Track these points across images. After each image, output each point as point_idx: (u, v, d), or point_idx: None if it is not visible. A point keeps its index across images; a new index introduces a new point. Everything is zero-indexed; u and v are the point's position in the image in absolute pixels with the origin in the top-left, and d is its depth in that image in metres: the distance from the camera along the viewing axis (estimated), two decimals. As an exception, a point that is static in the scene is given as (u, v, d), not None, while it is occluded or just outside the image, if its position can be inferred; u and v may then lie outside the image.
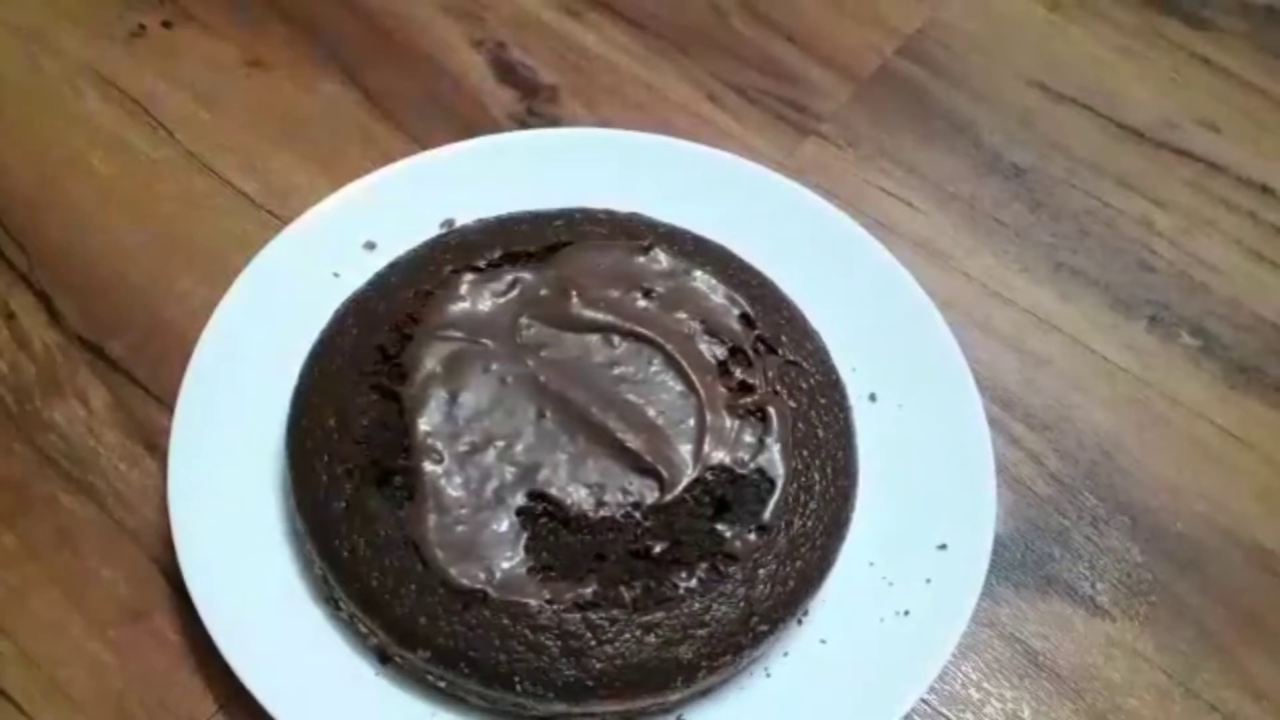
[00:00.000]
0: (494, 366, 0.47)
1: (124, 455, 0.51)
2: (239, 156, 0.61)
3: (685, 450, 0.46)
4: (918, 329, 0.53)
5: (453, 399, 0.46)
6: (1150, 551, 0.51)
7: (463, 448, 0.45)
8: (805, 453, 0.47)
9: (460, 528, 0.44)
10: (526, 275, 0.50)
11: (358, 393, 0.47)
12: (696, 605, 0.43)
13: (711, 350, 0.49)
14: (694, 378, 0.47)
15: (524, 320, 0.49)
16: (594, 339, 0.48)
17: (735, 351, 0.49)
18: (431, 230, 0.55)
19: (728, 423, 0.47)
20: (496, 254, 0.51)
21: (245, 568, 0.46)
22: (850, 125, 0.65)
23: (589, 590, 0.43)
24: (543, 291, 0.50)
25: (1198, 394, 0.56)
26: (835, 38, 0.69)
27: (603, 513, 0.44)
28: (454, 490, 0.44)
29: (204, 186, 0.60)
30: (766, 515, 0.45)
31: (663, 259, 0.51)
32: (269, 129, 0.63)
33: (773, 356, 0.49)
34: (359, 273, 0.52)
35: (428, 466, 0.45)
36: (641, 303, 0.50)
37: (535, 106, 0.65)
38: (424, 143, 0.61)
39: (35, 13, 0.67)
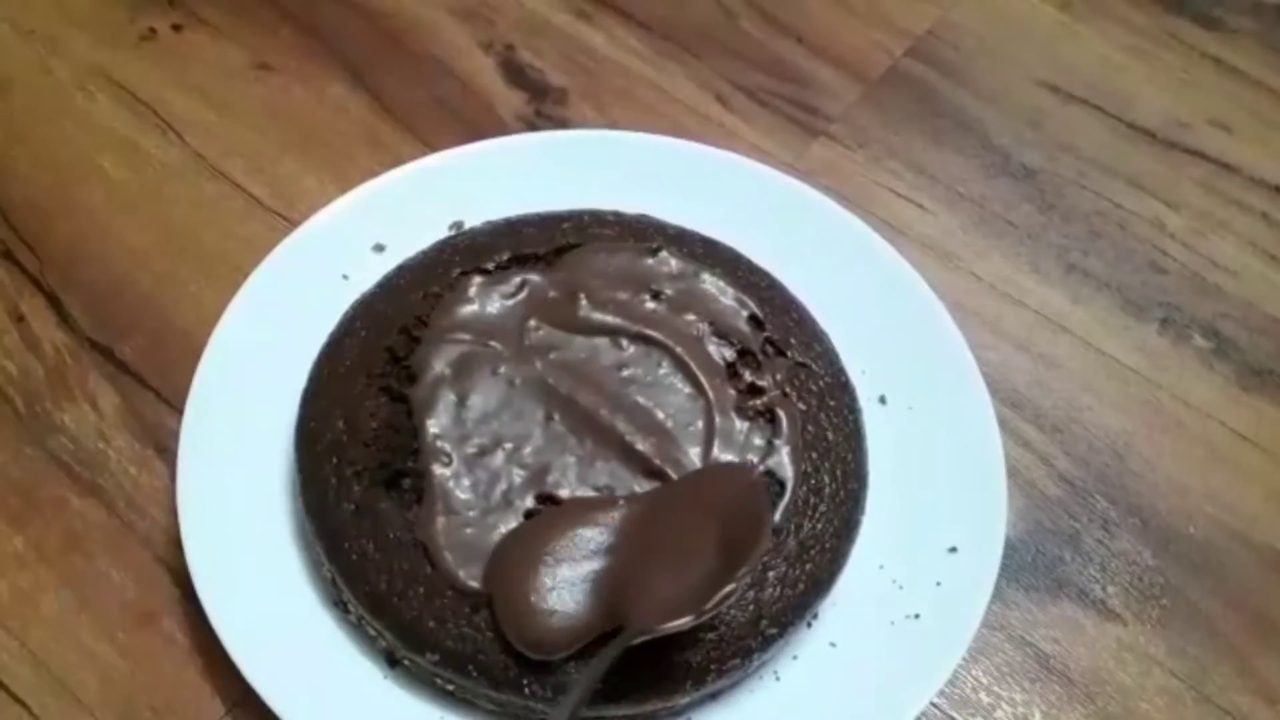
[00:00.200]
0: (502, 369, 0.47)
1: (133, 458, 0.51)
2: (248, 159, 0.61)
3: (694, 453, 0.46)
4: (927, 331, 0.53)
5: (461, 401, 0.46)
6: (1162, 554, 0.51)
7: (471, 450, 0.45)
8: (815, 455, 0.47)
9: (469, 530, 0.44)
10: (535, 277, 0.50)
11: (366, 395, 0.47)
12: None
13: (720, 352, 0.48)
14: (703, 380, 0.47)
15: (532, 322, 0.49)
16: (603, 341, 0.48)
17: (744, 353, 0.49)
18: (440, 232, 0.55)
19: (737, 425, 0.46)
20: (505, 256, 0.51)
21: (254, 570, 0.46)
22: (859, 126, 0.65)
23: (598, 593, 0.43)
24: (551, 294, 0.50)
25: (1210, 396, 0.56)
26: (844, 39, 0.69)
27: (611, 515, 0.44)
28: (463, 492, 0.44)
29: (213, 189, 0.60)
30: (776, 518, 0.45)
31: (671, 261, 0.51)
32: (278, 132, 0.63)
33: (782, 359, 0.49)
34: (368, 275, 0.52)
35: (436, 469, 0.45)
36: (650, 305, 0.50)
37: (544, 109, 0.65)
38: (433, 145, 0.61)
39: (46, 17, 0.67)
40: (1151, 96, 0.67)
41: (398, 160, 0.58)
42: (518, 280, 0.50)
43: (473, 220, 0.55)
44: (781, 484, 0.46)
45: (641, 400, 0.47)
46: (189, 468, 0.48)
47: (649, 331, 0.48)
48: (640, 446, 0.45)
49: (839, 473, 0.47)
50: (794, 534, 0.45)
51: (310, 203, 0.58)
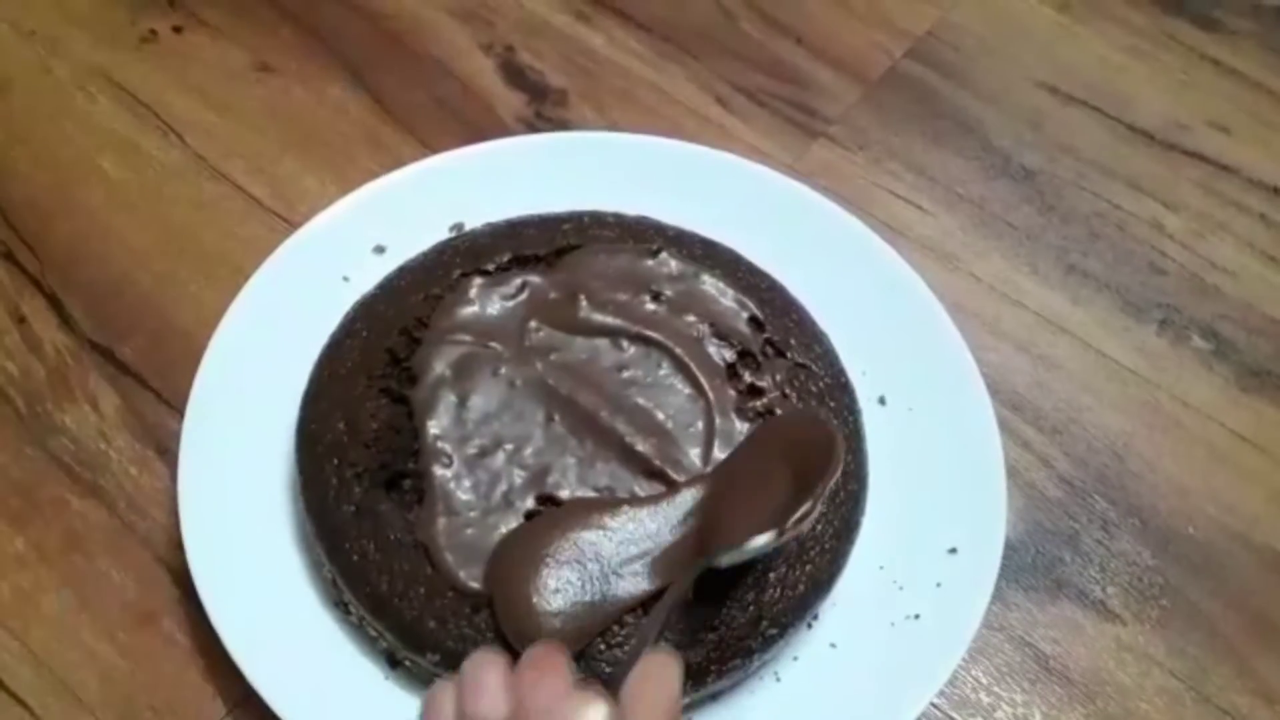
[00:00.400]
0: (503, 370, 0.47)
1: (134, 458, 0.51)
2: (249, 161, 0.61)
3: (694, 453, 0.46)
4: (927, 332, 0.53)
5: (462, 402, 0.46)
6: (1161, 555, 0.51)
7: (472, 451, 0.45)
8: (815, 456, 0.47)
9: (469, 531, 0.44)
10: (535, 279, 0.50)
11: (367, 396, 0.47)
12: (706, 609, 0.43)
13: (720, 353, 0.49)
14: (703, 381, 0.47)
15: (533, 324, 0.49)
16: (603, 342, 0.48)
17: (744, 354, 0.49)
18: (440, 234, 0.55)
19: (737, 426, 0.47)
20: (505, 257, 0.51)
21: (255, 571, 0.46)
22: (859, 128, 0.65)
23: (598, 594, 0.43)
24: (551, 295, 0.50)
25: (1209, 397, 0.56)
26: (844, 40, 0.69)
27: (612, 516, 0.44)
28: (463, 493, 0.44)
29: (214, 191, 0.60)
30: (776, 518, 0.45)
31: (671, 262, 0.51)
32: (279, 133, 0.63)
33: (782, 359, 0.49)
34: (368, 276, 0.52)
35: (437, 470, 0.45)
36: (650, 306, 0.50)
37: (544, 110, 0.65)
38: (433, 146, 0.61)
39: (47, 18, 0.67)
40: (1151, 98, 0.67)
41: (398, 161, 0.58)
42: (518, 281, 0.50)
43: (473, 222, 0.55)
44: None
45: (642, 401, 0.47)
46: (190, 468, 0.48)
47: (649, 333, 0.48)
48: (640, 447, 0.45)
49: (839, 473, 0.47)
50: (794, 535, 0.45)
51: (310, 204, 0.58)
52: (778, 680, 0.45)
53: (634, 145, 0.59)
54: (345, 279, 0.54)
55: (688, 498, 0.44)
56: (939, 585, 0.46)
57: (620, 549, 0.43)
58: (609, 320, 0.49)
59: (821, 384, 0.49)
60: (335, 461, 0.46)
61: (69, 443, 0.52)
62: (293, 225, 0.57)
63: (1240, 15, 0.71)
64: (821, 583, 0.45)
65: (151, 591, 0.48)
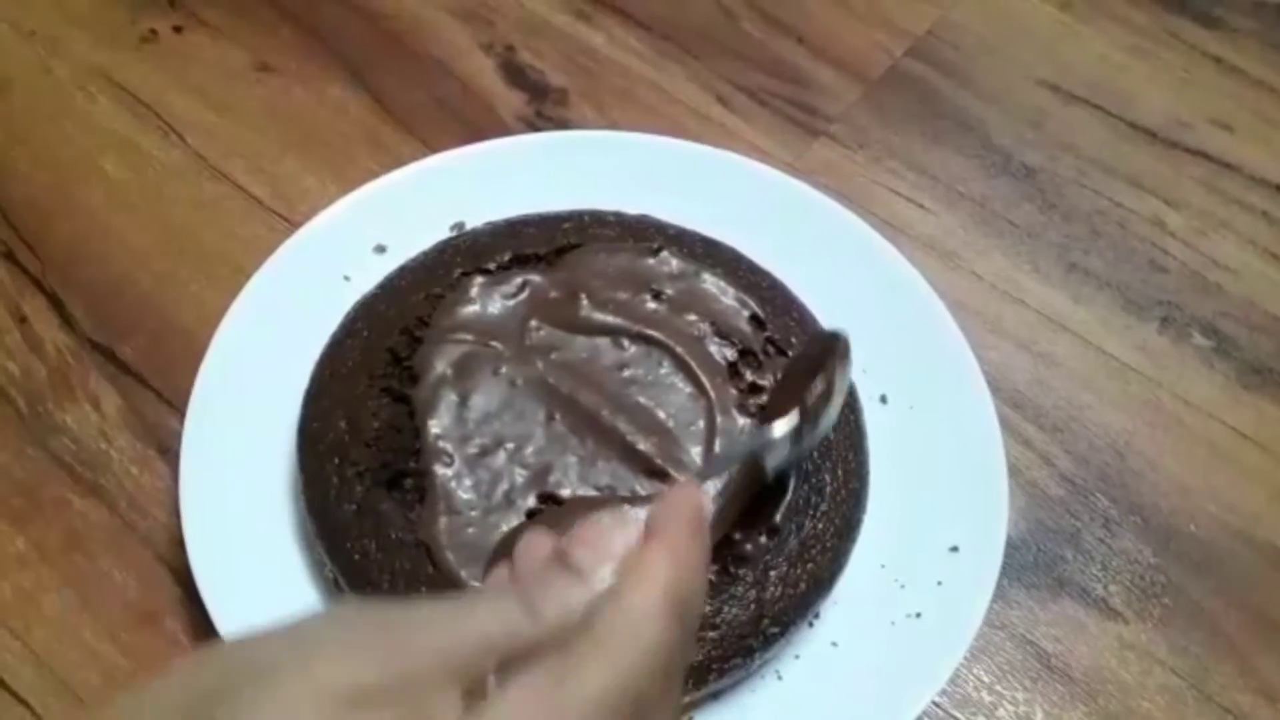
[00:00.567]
0: (504, 369, 0.47)
1: (135, 458, 0.51)
2: (249, 160, 0.61)
3: (695, 452, 0.46)
4: (928, 330, 0.53)
5: (463, 402, 0.46)
6: (1163, 553, 0.51)
7: (473, 450, 0.45)
8: (816, 454, 0.47)
9: (471, 530, 0.44)
10: (536, 278, 0.50)
11: (368, 396, 0.47)
12: (707, 607, 0.43)
13: (721, 352, 0.49)
14: (704, 379, 0.47)
15: (534, 323, 0.49)
16: (603, 341, 0.48)
17: (745, 353, 0.49)
18: (441, 233, 0.55)
19: (739, 424, 0.47)
20: (506, 257, 0.51)
21: (256, 570, 0.46)
22: (860, 126, 0.65)
23: (599, 593, 0.43)
24: (552, 294, 0.50)
25: (1210, 395, 0.56)
26: (844, 39, 0.69)
27: (613, 515, 0.44)
28: (465, 493, 0.44)
29: (214, 190, 0.60)
30: (777, 517, 0.45)
31: (672, 261, 0.51)
32: (279, 133, 0.63)
33: (783, 358, 0.49)
34: (369, 276, 0.52)
35: (438, 469, 0.45)
36: (651, 305, 0.50)
37: (544, 109, 0.65)
38: (433, 146, 0.61)
39: (47, 18, 0.67)
40: (1152, 96, 0.67)
41: (398, 161, 0.58)
42: (519, 281, 0.50)
43: (473, 221, 0.55)
44: (783, 483, 0.46)
45: (643, 400, 0.47)
46: (191, 468, 0.48)
47: (650, 331, 0.48)
48: (642, 446, 0.45)
49: (840, 472, 0.47)
50: (795, 533, 0.45)
51: (311, 203, 0.58)
52: (779, 678, 0.45)
53: (634, 144, 0.59)
54: (346, 278, 0.54)
55: None
56: (940, 583, 0.46)
57: None
58: (610, 319, 0.49)
59: (823, 382, 0.49)
60: (336, 461, 0.46)
61: (70, 442, 0.52)
62: (293, 225, 0.57)
63: (1242, 13, 0.71)
64: (823, 581, 0.45)
65: (153, 591, 0.48)
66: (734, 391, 0.47)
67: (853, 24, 0.70)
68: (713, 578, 0.43)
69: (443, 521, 0.44)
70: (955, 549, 0.47)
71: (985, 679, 0.48)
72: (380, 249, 0.55)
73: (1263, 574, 0.51)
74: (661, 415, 0.46)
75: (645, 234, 0.53)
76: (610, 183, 0.56)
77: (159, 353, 0.54)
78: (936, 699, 0.46)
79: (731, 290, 0.50)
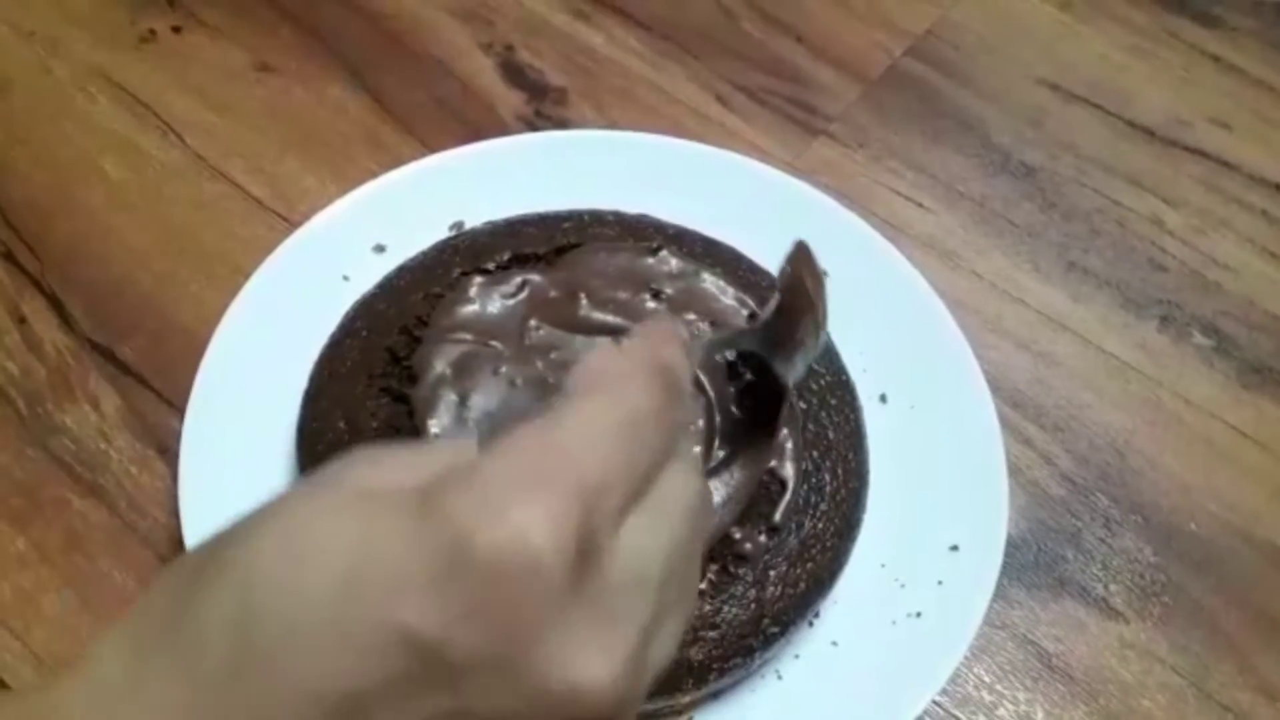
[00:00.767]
0: (504, 369, 0.47)
1: (135, 458, 0.51)
2: (249, 160, 0.61)
3: (695, 451, 0.46)
4: (928, 329, 0.53)
5: (462, 401, 0.46)
6: (1163, 552, 0.51)
7: (472, 450, 0.45)
8: (816, 454, 0.47)
9: (470, 530, 0.44)
10: (535, 277, 0.50)
11: (368, 395, 0.47)
12: (707, 607, 0.43)
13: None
14: (704, 379, 0.47)
15: (533, 322, 0.49)
16: (603, 341, 0.48)
17: (744, 354, 0.49)
18: (440, 233, 0.55)
19: (738, 422, 0.46)
20: (505, 256, 0.51)
21: (256, 570, 0.46)
22: (859, 126, 0.65)
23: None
24: (552, 294, 0.50)
25: (1210, 394, 0.56)
26: (844, 38, 0.69)
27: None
28: (464, 492, 0.44)
29: (214, 190, 0.60)
30: (777, 516, 0.45)
31: (671, 260, 0.51)
32: (278, 133, 0.63)
33: (782, 357, 0.49)
34: (368, 276, 0.52)
35: (438, 469, 0.45)
36: (650, 304, 0.50)
37: (544, 109, 0.65)
38: (433, 145, 0.61)
39: (46, 18, 0.67)
40: (1152, 95, 0.67)
41: (398, 161, 0.58)
42: (518, 280, 0.50)
43: (473, 221, 0.55)
44: (783, 482, 0.46)
45: (642, 399, 0.47)
46: (190, 468, 0.48)
47: (650, 331, 0.48)
48: (641, 445, 0.45)
49: (840, 471, 0.47)
50: (795, 532, 0.45)
51: (310, 203, 0.58)
52: (779, 678, 0.45)
53: (634, 144, 0.59)
54: (345, 278, 0.53)
55: None
56: (941, 583, 0.46)
57: None
58: (609, 318, 0.49)
59: (822, 381, 0.49)
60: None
61: (70, 443, 0.52)
62: (293, 225, 0.57)
63: (1241, 12, 0.71)
64: (823, 580, 0.45)
65: (152, 591, 0.48)
66: (733, 390, 0.47)
67: (852, 23, 0.70)
68: (713, 577, 0.43)
69: (442, 521, 0.44)
70: (955, 548, 0.47)
71: (986, 678, 0.48)
72: (379, 249, 0.55)
73: (1263, 572, 0.51)
74: (661, 415, 0.46)
75: (645, 233, 0.53)
76: (609, 182, 0.56)
77: (159, 353, 0.54)
78: (937, 698, 0.46)
79: (731, 290, 0.50)
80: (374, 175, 0.57)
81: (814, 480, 0.46)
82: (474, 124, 0.63)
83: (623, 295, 0.50)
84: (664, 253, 0.51)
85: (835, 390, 0.49)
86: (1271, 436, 0.55)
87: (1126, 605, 0.50)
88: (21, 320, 0.56)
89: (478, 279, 0.50)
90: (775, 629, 0.44)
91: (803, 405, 0.48)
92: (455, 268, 0.51)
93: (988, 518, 0.48)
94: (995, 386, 0.52)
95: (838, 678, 0.45)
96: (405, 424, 0.46)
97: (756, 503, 0.45)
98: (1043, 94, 0.67)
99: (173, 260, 0.58)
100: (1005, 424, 0.51)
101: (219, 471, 0.48)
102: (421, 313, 0.49)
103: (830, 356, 0.50)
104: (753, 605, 0.43)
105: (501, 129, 0.63)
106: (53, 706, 0.23)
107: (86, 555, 0.49)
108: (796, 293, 0.41)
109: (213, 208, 0.60)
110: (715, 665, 0.43)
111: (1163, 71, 0.69)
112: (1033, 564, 0.50)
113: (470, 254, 0.51)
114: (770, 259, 0.53)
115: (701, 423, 0.46)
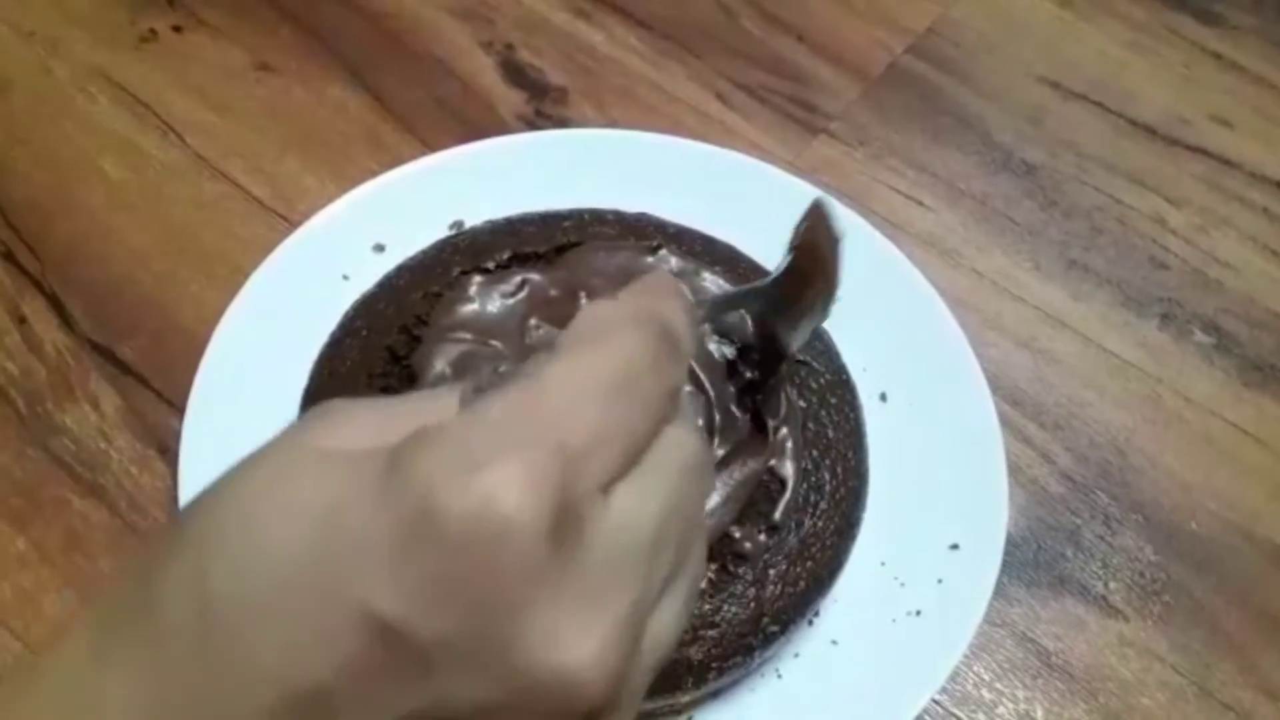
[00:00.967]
0: (503, 368, 0.47)
1: (135, 458, 0.52)
2: (248, 160, 0.61)
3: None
4: (928, 327, 0.53)
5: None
6: (1164, 550, 0.51)
7: (472, 449, 0.45)
8: (815, 452, 0.47)
9: (470, 529, 0.44)
10: (535, 276, 0.50)
11: (367, 394, 0.47)
12: (706, 606, 0.43)
13: (720, 350, 0.48)
14: (703, 377, 0.47)
15: (533, 321, 0.49)
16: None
17: (744, 350, 0.49)
18: (440, 232, 0.55)
19: (738, 421, 0.46)
20: (505, 255, 0.51)
21: (256, 570, 0.46)
22: (859, 124, 0.65)
23: (599, 591, 0.42)
24: (552, 293, 0.50)
25: (1211, 392, 0.56)
26: (844, 37, 0.69)
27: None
28: (463, 491, 0.44)
29: (214, 190, 0.60)
30: (777, 515, 0.45)
31: (671, 259, 0.51)
32: (278, 132, 0.63)
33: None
34: (368, 275, 0.52)
35: (437, 468, 0.45)
36: (650, 303, 0.49)
37: (544, 108, 0.65)
38: (433, 145, 0.61)
39: (46, 18, 0.67)
40: (1152, 92, 0.67)
41: (398, 160, 0.58)
42: (518, 279, 0.50)
43: (473, 220, 0.55)
44: (782, 481, 0.45)
45: (642, 398, 0.47)
46: (190, 468, 0.48)
47: (649, 330, 0.48)
48: (641, 444, 0.45)
49: (840, 470, 0.47)
50: (795, 531, 0.45)
51: (310, 203, 0.58)
52: (779, 677, 0.45)
53: (634, 142, 0.59)
54: (345, 277, 0.53)
55: None
56: (940, 581, 0.46)
57: None
58: (609, 317, 0.49)
59: (822, 380, 0.49)
60: (335, 460, 0.46)
61: (70, 443, 0.52)
62: (292, 224, 0.57)
63: (1242, 10, 0.71)
64: (823, 579, 0.45)
65: (153, 591, 0.48)
66: (733, 389, 0.47)
67: (853, 21, 0.70)
68: (712, 576, 0.43)
69: (442, 520, 0.44)
70: (955, 547, 0.47)
71: (985, 677, 0.48)
72: (379, 248, 0.55)
73: (1263, 571, 0.51)
74: (661, 413, 0.46)
75: (644, 232, 0.52)
76: (609, 181, 0.56)
77: (159, 352, 0.55)
78: (937, 697, 0.46)
79: (731, 288, 0.50)
80: (374, 175, 0.57)
81: (814, 479, 0.46)
82: (474, 123, 0.63)
83: (622, 294, 0.50)
84: (664, 251, 0.51)
85: (835, 389, 0.49)
86: (1272, 435, 0.54)
87: (1126, 603, 0.50)
88: (21, 320, 0.56)
89: (477, 278, 0.50)
90: (775, 628, 0.44)
91: (802, 404, 0.48)
92: (455, 267, 0.51)
93: (987, 516, 0.48)
94: (995, 385, 0.52)
95: (837, 676, 0.45)
96: (405, 423, 0.46)
97: (756, 501, 0.45)
98: (1043, 92, 0.67)
99: (173, 260, 0.58)
100: (1005, 422, 0.51)
101: (219, 471, 0.48)
102: (421, 312, 0.49)
103: (830, 355, 0.50)
104: (752, 604, 0.43)
105: (502, 128, 0.63)
106: (11, 708, 0.22)
107: (87, 555, 0.49)
108: (809, 254, 0.39)
109: (213, 208, 0.60)
110: (715, 664, 0.43)
111: (1163, 69, 0.68)
112: (1032, 562, 0.50)
113: (470, 253, 0.51)
114: (770, 258, 0.53)
115: (701, 421, 0.46)
